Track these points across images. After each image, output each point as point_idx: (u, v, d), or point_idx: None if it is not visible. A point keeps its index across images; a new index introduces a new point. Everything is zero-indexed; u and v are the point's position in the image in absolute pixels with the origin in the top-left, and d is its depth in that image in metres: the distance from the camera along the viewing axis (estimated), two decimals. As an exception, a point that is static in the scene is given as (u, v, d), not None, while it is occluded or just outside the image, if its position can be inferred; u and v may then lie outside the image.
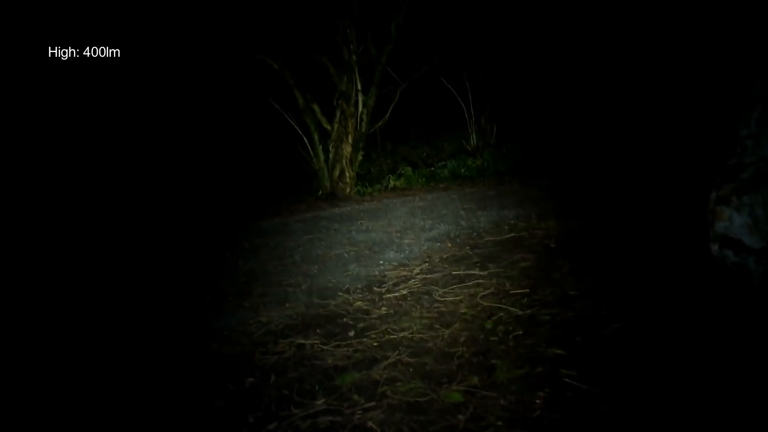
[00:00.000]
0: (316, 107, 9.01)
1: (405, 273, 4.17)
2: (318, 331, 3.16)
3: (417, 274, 4.12)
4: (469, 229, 5.40)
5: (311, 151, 9.18)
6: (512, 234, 5.03)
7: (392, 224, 5.97)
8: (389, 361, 2.68)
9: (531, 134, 11.51)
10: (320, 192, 9.07)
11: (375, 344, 2.91)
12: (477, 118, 11.93)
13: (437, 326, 3.05)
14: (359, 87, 9.06)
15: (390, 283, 3.96)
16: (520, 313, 3.07)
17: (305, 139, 9.24)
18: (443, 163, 11.17)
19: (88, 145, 8.20)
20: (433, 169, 10.93)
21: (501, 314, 3.10)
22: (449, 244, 4.90)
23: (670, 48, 9.98)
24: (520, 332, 2.81)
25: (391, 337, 2.97)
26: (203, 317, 3.66)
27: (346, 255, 4.87)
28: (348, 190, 9.01)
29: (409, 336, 2.95)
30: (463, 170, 10.42)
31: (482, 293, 3.50)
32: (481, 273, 3.93)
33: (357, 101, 9.10)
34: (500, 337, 2.80)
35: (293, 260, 4.85)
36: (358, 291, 3.85)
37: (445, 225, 5.69)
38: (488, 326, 2.96)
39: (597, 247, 4.31)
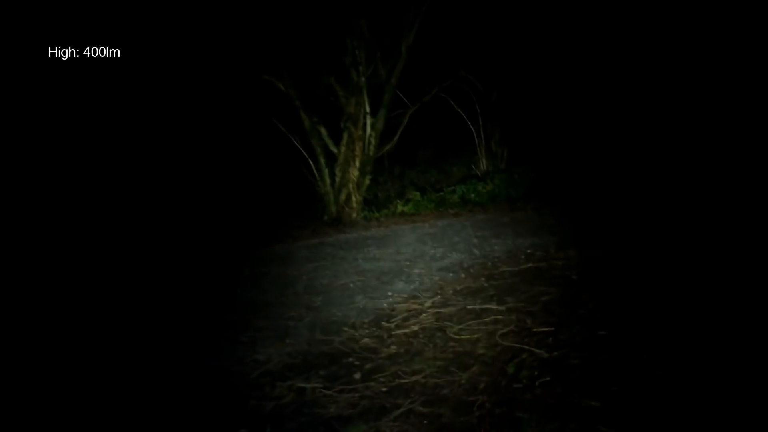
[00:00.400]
0: (322, 129, 8.79)
1: (416, 306, 3.88)
2: (320, 372, 2.87)
3: (429, 307, 3.83)
4: (483, 259, 5.11)
5: (317, 175, 8.94)
6: (530, 264, 4.74)
7: (401, 252, 5.69)
8: (400, 410, 2.38)
9: (542, 159, 11.25)
10: (326, 217, 8.81)
11: (384, 389, 2.62)
12: (487, 142, 11.70)
13: (453, 369, 2.75)
14: (367, 109, 8.83)
15: (399, 317, 3.67)
16: (546, 355, 2.77)
17: (311, 162, 9.01)
18: (452, 188, 10.90)
19: (88, 147, 7.95)
20: (442, 194, 10.66)
21: (524, 356, 2.80)
22: (462, 275, 4.61)
23: (681, 70, 9.77)
24: (548, 378, 2.51)
25: (402, 381, 2.68)
26: (196, 352, 3.37)
27: (352, 285, 4.58)
28: (354, 215, 8.75)
29: (422, 380, 2.66)
30: (473, 195, 10.15)
31: (501, 331, 3.21)
32: (498, 308, 3.64)
33: (365, 124, 8.88)
34: (525, 384, 2.50)
35: (295, 290, 4.57)
36: (364, 326, 3.56)
37: (458, 254, 5.40)
38: (510, 370, 2.66)
39: (622, 280, 4.01)
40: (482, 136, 11.72)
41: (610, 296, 3.64)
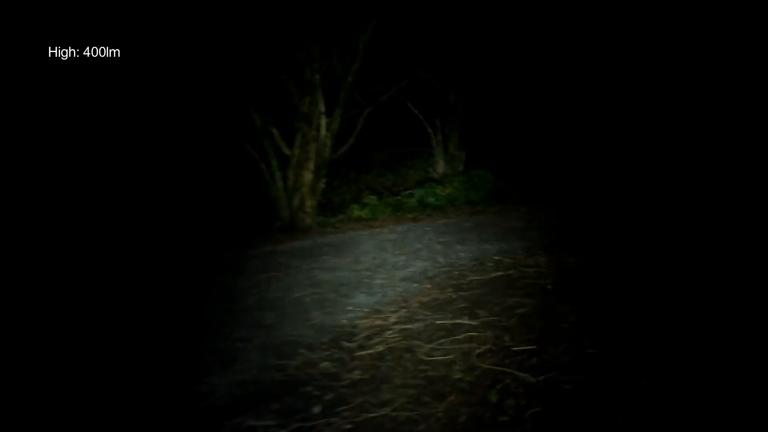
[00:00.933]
0: (274, 130, 8.35)
1: (379, 322, 3.52)
2: (273, 405, 2.48)
3: (394, 323, 3.48)
4: (448, 267, 4.80)
5: (268, 178, 8.49)
6: (499, 272, 4.45)
7: (360, 261, 5.32)
8: (369, 454, 2.03)
9: (502, 161, 11.09)
10: (278, 222, 8.37)
11: (348, 426, 2.26)
12: (445, 144, 11.46)
13: (427, 399, 2.41)
14: (322, 109, 8.44)
15: (362, 335, 3.31)
16: (533, 379, 2.46)
17: (263, 166, 8.55)
18: (410, 191, 10.62)
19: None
20: (399, 197, 10.37)
21: (507, 381, 2.48)
22: (428, 285, 4.29)
23: (644, 69, 9.75)
24: (538, 409, 2.20)
25: (369, 415, 2.32)
26: (126, 385, 2.93)
27: (308, 299, 4.19)
28: (309, 220, 8.33)
29: (393, 414, 2.31)
30: (432, 199, 9.89)
31: (478, 350, 2.89)
32: (471, 323, 3.32)
33: (319, 124, 8.48)
34: (512, 416, 2.18)
35: (245, 306, 4.14)
36: (323, 347, 3.18)
37: (421, 262, 5.08)
38: (493, 399, 2.34)
39: (601, 289, 3.76)
40: (440, 138, 11.48)
41: (591, 307, 3.37)
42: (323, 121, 8.49)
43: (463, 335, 3.13)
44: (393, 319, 3.55)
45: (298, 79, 8.31)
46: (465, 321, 3.36)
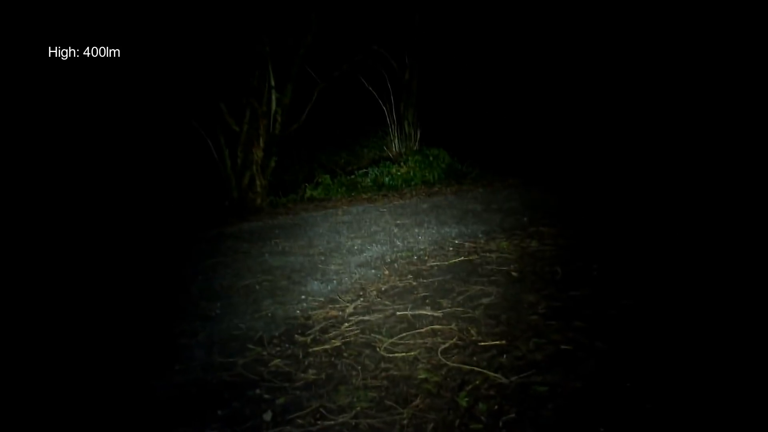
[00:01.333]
0: (222, 105, 7.93)
1: (335, 313, 3.29)
2: (219, 412, 2.23)
3: (351, 314, 3.25)
4: (407, 252, 4.59)
5: (216, 156, 8.09)
6: (460, 258, 4.27)
7: (314, 245, 5.06)
8: (327, 472, 1.81)
9: (459, 140, 10.94)
10: (226, 203, 8.00)
11: (303, 437, 2.03)
12: (400, 122, 11.22)
13: (390, 403, 2.20)
14: (273, 83, 8.07)
15: (317, 328, 3.07)
16: (505, 380, 2.27)
17: (209, 143, 8.13)
18: (364, 170, 10.36)
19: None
20: (353, 177, 10.10)
21: (477, 382, 2.29)
22: (386, 272, 4.07)
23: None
24: (513, 415, 2.02)
25: (327, 422, 2.09)
26: (49, 390, 2.62)
27: (257, 287, 3.92)
28: (259, 200, 7.99)
29: (353, 422, 2.08)
30: (387, 179, 9.65)
31: (443, 345, 2.69)
32: (434, 314, 3.12)
33: (270, 99, 8.11)
34: (485, 424, 1.99)
35: (188, 295, 3.84)
36: (274, 342, 2.93)
37: (378, 246, 4.86)
38: (463, 403, 2.14)
39: (568, 275, 3.61)
40: (395, 116, 11.23)
41: (559, 297, 3.21)
42: (274, 96, 8.13)
43: (426, 328, 2.93)
44: (350, 310, 3.32)
45: (246, 51, 7.90)
46: (427, 312, 3.16)
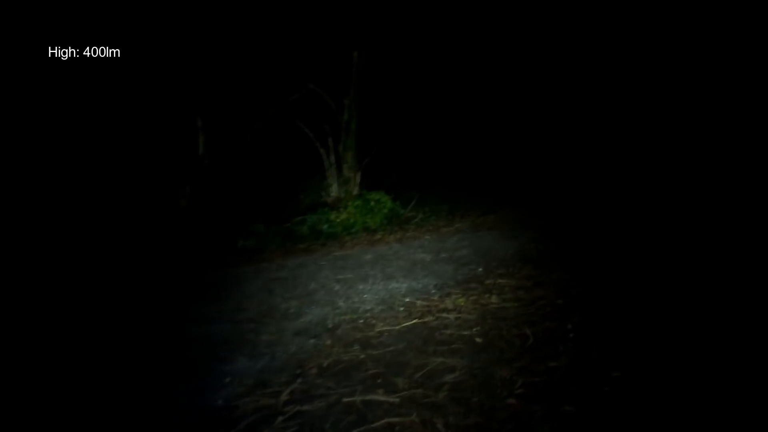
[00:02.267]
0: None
1: (267, 401, 2.69)
2: None
3: (286, 403, 2.66)
4: (351, 314, 4.04)
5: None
6: (413, 320, 3.75)
7: (242, 308, 4.44)
8: None
9: (400, 183, 10.58)
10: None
11: None
12: (338, 165, 10.75)
13: None
14: (199, 124, 7.50)
15: (243, 425, 2.47)
16: (491, 506, 1.74)
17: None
18: (301, 218, 9.78)
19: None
20: (289, 225, 9.50)
21: None
22: (328, 341, 3.50)
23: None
24: None
25: None
26: None
27: (171, 366, 3.27)
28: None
29: None
30: (325, 226, 9.10)
31: (403, 448, 2.14)
32: (389, 399, 2.57)
33: (198, 143, 7.53)
34: None
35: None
36: (187, 448, 2.32)
37: (318, 308, 4.28)
38: None
39: (543, 339, 3.14)
40: (333, 159, 10.76)
41: (538, 371, 2.72)
42: (201, 138, 7.53)
43: (380, 422, 2.37)
44: (285, 396, 2.73)
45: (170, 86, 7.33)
46: (380, 397, 2.61)
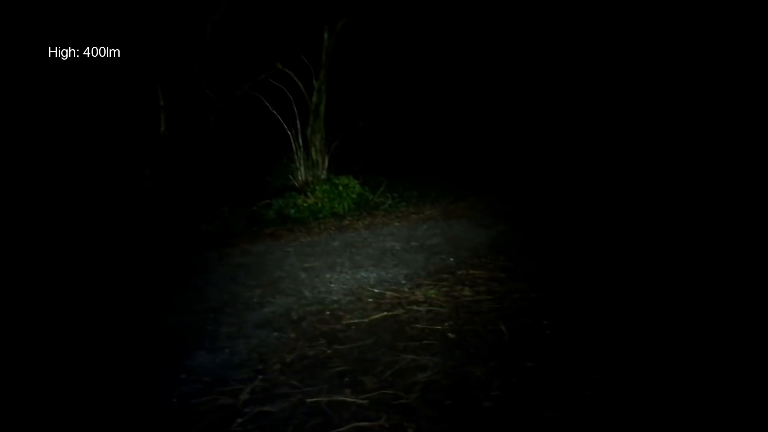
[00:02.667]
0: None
1: (225, 401, 2.51)
2: None
3: (246, 403, 2.48)
4: (318, 305, 3.85)
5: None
6: (383, 313, 3.59)
7: (204, 298, 4.21)
8: None
9: (370, 168, 10.39)
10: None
11: None
12: (306, 148, 10.49)
13: None
14: (162, 102, 7.18)
15: (198, 427, 2.28)
16: None
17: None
18: (267, 201, 9.53)
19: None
20: (255, 209, 9.23)
21: None
22: (292, 335, 3.31)
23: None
24: None
25: None
26: None
27: (126, 361, 3.06)
28: (144, 237, 7.01)
29: None
30: (292, 211, 8.87)
31: (372, 457, 1.98)
32: (357, 400, 2.41)
33: (159, 120, 7.22)
34: None
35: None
36: (135, 455, 2.12)
37: (283, 297, 4.09)
38: None
39: (518, 336, 3.01)
40: (300, 142, 10.50)
41: (515, 371, 2.59)
42: (162, 116, 7.23)
43: (347, 426, 2.21)
44: (245, 396, 2.55)
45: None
46: (348, 398, 2.45)
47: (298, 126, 10.31)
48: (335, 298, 4.00)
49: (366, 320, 3.48)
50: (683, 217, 6.09)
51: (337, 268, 4.89)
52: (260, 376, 2.75)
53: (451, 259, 4.94)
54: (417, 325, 3.32)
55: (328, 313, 3.68)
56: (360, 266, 4.89)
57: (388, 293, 4.03)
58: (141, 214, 7.18)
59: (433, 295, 3.89)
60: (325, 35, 9.94)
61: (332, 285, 4.34)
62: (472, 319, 3.37)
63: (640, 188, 7.93)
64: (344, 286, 4.28)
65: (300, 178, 10.43)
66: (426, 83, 10.70)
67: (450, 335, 3.12)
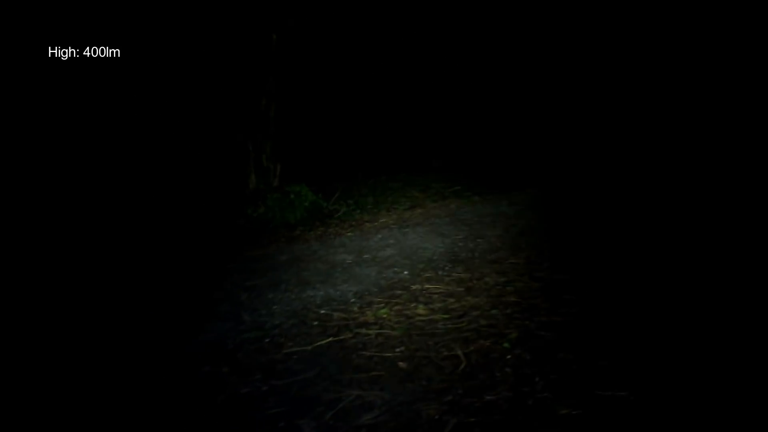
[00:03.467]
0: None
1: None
2: None
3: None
4: (256, 331, 3.51)
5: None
6: (328, 338, 3.27)
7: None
8: None
9: (324, 174, 10.07)
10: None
11: None
12: (257, 154, 10.09)
13: None
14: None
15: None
16: None
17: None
18: (215, 212, 9.11)
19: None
20: (201, 220, 8.82)
21: None
22: (225, 369, 2.95)
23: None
24: None
25: None
26: None
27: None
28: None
29: None
30: (241, 222, 8.48)
31: None
32: (291, 453, 2.09)
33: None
34: None
35: None
36: None
37: (219, 323, 3.72)
38: None
39: (477, 362, 2.72)
40: (250, 147, 10.09)
41: (473, 409, 2.29)
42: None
43: (276, 489, 1.88)
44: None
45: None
46: (281, 450, 2.12)
47: (247, 133, 9.92)
48: (277, 321, 3.66)
49: (309, 348, 3.15)
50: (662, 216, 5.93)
51: (281, 285, 4.54)
52: (180, 426, 2.40)
53: (405, 272, 4.65)
54: (365, 353, 3.00)
55: (267, 340, 3.34)
56: (307, 283, 4.56)
57: (336, 314, 3.71)
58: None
59: (385, 315, 3.59)
60: (274, 37, 9.59)
61: (275, 306, 4.00)
62: (426, 343, 3.07)
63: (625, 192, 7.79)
64: (288, 308, 3.94)
65: (251, 186, 10.04)
66: (381, 87, 10.43)
67: (401, 364, 2.81)
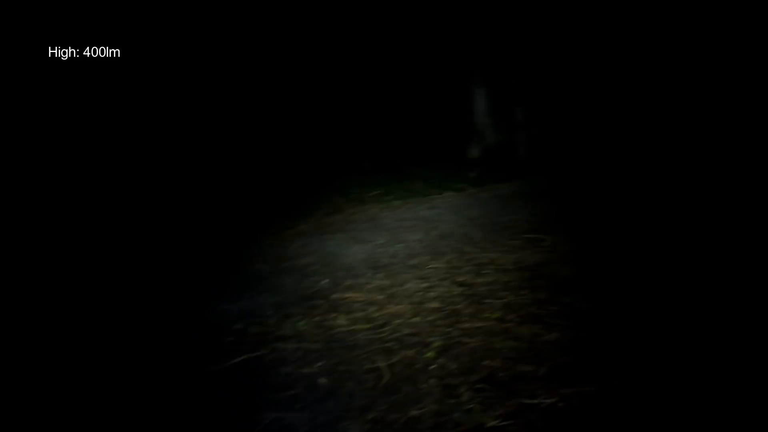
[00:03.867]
0: None
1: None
2: None
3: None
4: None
5: None
6: (243, 356, 3.10)
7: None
8: None
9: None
10: None
11: None
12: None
13: None
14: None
15: None
16: None
17: None
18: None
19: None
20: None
21: None
22: (130, 394, 2.74)
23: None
24: None
25: None
26: None
27: None
28: None
29: None
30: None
31: None
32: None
33: None
34: None
35: None
36: None
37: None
38: None
39: (400, 374, 2.62)
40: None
41: (395, 425, 2.19)
42: None
43: None
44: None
45: None
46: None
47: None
48: (193, 338, 3.45)
49: (223, 366, 2.97)
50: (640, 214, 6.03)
51: (195, 300, 4.31)
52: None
53: (325, 280, 4.51)
54: (283, 369, 2.86)
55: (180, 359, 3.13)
56: (222, 295, 4.34)
57: (252, 328, 3.53)
58: None
59: (303, 328, 3.44)
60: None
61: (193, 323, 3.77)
62: (347, 355, 2.95)
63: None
64: (201, 323, 3.72)
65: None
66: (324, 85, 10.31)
67: (321, 380, 2.68)
